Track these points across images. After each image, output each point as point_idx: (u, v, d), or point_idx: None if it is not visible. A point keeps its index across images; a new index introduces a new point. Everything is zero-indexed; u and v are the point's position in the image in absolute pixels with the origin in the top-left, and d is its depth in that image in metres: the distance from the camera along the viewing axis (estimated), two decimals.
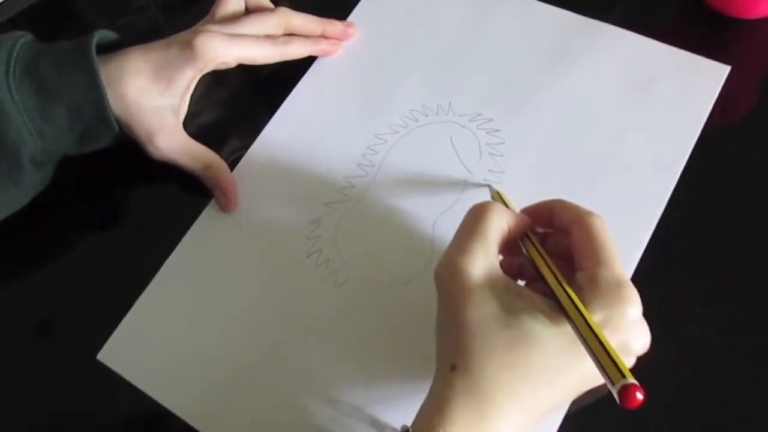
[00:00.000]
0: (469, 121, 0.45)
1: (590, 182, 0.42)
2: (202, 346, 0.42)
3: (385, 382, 0.39)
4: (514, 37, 0.48)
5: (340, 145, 0.46)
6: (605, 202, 0.41)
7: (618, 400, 0.26)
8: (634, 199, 0.41)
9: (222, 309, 0.42)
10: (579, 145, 0.43)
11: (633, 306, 0.30)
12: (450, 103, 0.46)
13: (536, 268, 0.33)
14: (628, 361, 0.32)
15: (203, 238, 0.45)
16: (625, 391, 0.26)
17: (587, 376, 0.31)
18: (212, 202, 0.46)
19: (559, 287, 0.31)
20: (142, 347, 0.42)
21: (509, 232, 0.34)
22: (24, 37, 0.44)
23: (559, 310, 0.30)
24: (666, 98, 0.44)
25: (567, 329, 0.30)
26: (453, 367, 0.31)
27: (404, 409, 0.35)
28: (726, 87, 0.43)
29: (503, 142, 0.44)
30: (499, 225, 0.33)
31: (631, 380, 0.26)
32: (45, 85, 0.42)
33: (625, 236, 0.39)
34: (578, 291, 0.31)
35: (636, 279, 0.38)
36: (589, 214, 0.33)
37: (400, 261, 0.42)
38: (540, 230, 0.36)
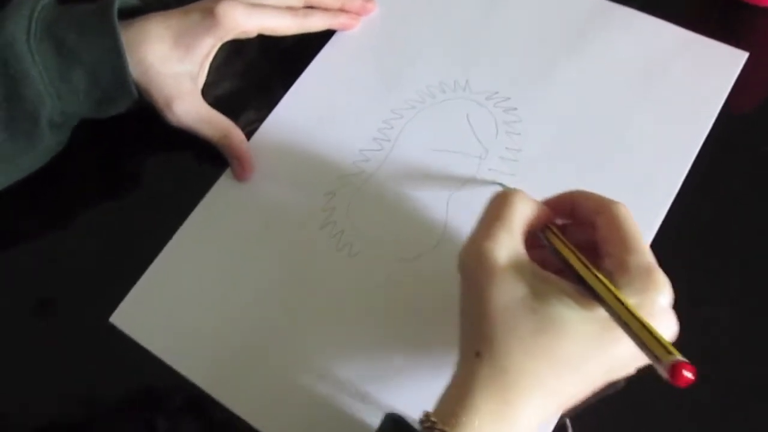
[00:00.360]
0: (486, 99, 0.46)
1: (604, 163, 0.42)
2: (215, 312, 0.42)
3: (397, 356, 0.39)
4: (532, 17, 0.48)
5: (356, 119, 0.46)
6: (618, 183, 0.41)
7: (668, 378, 0.25)
8: (647, 182, 0.41)
9: (235, 276, 0.43)
10: (595, 126, 0.43)
11: (664, 293, 0.30)
12: (467, 80, 0.46)
13: (562, 257, 0.32)
14: None
15: (218, 207, 0.45)
16: (675, 368, 0.25)
17: (616, 364, 0.30)
18: (227, 171, 0.46)
19: (589, 272, 0.30)
20: (155, 311, 0.43)
21: (532, 221, 0.33)
22: None
23: (589, 295, 0.30)
24: (682, 82, 0.44)
25: (597, 315, 0.29)
26: (477, 354, 0.30)
27: (412, 387, 0.37)
28: (742, 74, 0.44)
29: (520, 121, 0.44)
30: (524, 212, 0.33)
31: (681, 357, 0.25)
32: (65, 46, 0.42)
33: (637, 219, 0.40)
34: (608, 277, 0.30)
35: None
36: (613, 202, 0.32)
37: (413, 235, 0.42)
38: (559, 222, 0.36)
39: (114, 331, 0.42)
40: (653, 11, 0.46)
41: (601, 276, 0.30)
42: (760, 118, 0.43)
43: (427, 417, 0.30)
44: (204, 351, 0.41)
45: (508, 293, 0.30)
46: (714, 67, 0.44)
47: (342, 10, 0.49)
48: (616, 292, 0.29)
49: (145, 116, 0.46)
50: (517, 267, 0.31)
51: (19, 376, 0.42)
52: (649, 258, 0.31)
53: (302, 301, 0.41)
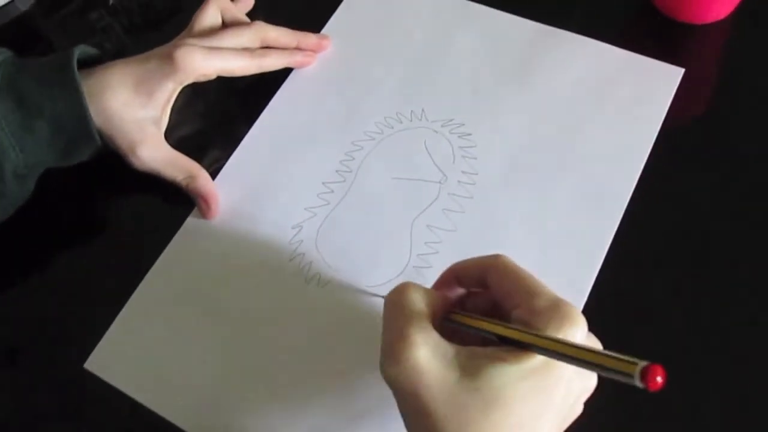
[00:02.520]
0: (442, 126, 0.47)
1: (558, 181, 0.44)
2: (190, 351, 0.42)
3: (377, 386, 0.39)
4: (480, 46, 0.50)
5: (318, 153, 0.48)
6: (571, 199, 0.43)
7: (642, 387, 0.24)
8: (597, 198, 0.43)
9: (207, 314, 0.43)
10: (546, 146, 0.45)
11: (579, 323, 0.29)
12: (423, 109, 0.48)
13: (478, 329, 0.31)
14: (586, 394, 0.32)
15: (187, 246, 0.46)
16: (646, 375, 0.24)
17: (566, 404, 0.30)
18: (194, 211, 0.47)
19: (509, 329, 0.30)
20: (130, 354, 0.43)
21: (433, 308, 0.32)
22: (4, 54, 0.45)
23: (519, 348, 0.29)
24: (625, 101, 0.46)
25: (531, 364, 0.29)
26: None
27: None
28: (679, 89, 0.46)
29: (475, 146, 0.46)
30: (421, 301, 0.31)
31: (645, 363, 0.24)
32: (27, 99, 0.43)
33: (590, 235, 0.42)
34: (523, 327, 0.30)
35: (601, 277, 0.41)
36: (492, 258, 0.32)
37: (380, 262, 0.43)
38: (460, 291, 0.35)
39: (89, 376, 0.42)
40: (593, 34, 0.49)
41: (521, 327, 0.29)
42: (697, 129, 0.46)
43: None
44: (181, 391, 0.41)
45: (444, 386, 0.29)
46: (654, 84, 0.47)
47: (298, 48, 0.51)
48: (544, 334, 0.28)
49: (108, 161, 0.47)
50: (441, 357, 0.29)
51: None
52: (553, 295, 0.30)
53: (275, 335, 0.42)
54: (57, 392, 0.43)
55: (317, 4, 0.54)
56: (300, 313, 0.43)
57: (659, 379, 0.24)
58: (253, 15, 0.52)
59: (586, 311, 0.35)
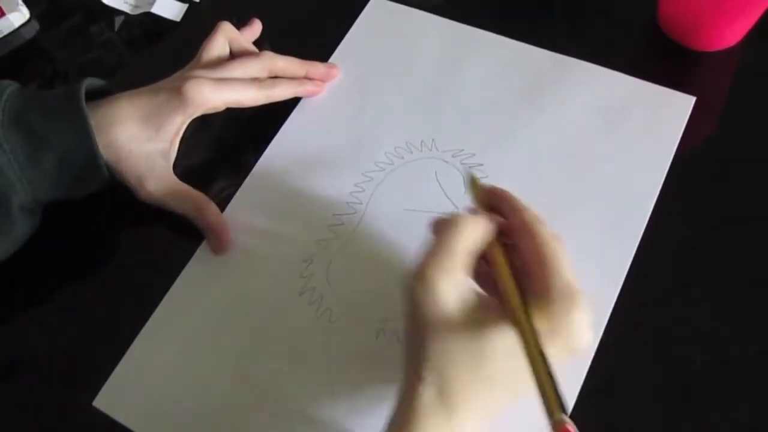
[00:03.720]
0: (453, 156, 0.47)
1: (570, 211, 0.44)
2: (199, 388, 0.42)
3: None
4: (490, 74, 0.50)
5: (327, 184, 0.47)
6: (583, 231, 0.43)
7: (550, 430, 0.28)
8: (612, 228, 0.43)
9: (216, 351, 0.43)
10: (558, 176, 0.45)
11: (583, 312, 0.31)
12: (433, 139, 0.48)
13: (497, 279, 0.34)
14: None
15: (196, 281, 0.45)
16: (558, 427, 0.27)
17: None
18: (204, 244, 0.46)
19: (513, 305, 0.32)
20: (139, 391, 0.42)
21: (479, 243, 0.34)
22: (11, 86, 0.44)
23: (511, 321, 0.32)
24: (637, 129, 0.46)
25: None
26: (420, 378, 0.32)
27: None
28: (690, 117, 0.46)
29: (486, 176, 0.46)
30: (469, 239, 0.34)
31: (566, 419, 0.27)
32: (34, 133, 0.43)
33: (605, 265, 0.41)
34: (533, 298, 0.32)
35: (617, 306, 0.40)
36: (535, 224, 0.34)
37: (392, 296, 0.43)
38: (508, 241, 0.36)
39: (98, 414, 0.42)
40: (604, 62, 0.49)
41: (523, 315, 0.31)
42: (708, 157, 0.45)
43: None
44: (189, 427, 0.41)
45: (449, 322, 0.32)
46: (665, 113, 0.46)
47: (306, 78, 0.50)
48: (535, 336, 0.30)
49: (118, 192, 0.46)
50: (457, 296, 0.33)
51: None
52: (570, 278, 0.32)
53: (286, 371, 0.42)
54: (66, 430, 0.42)
55: (325, 32, 0.54)
56: (312, 348, 0.42)
57: None
58: (260, 44, 0.52)
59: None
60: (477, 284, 0.36)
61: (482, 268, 0.36)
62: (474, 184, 0.39)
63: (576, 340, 0.32)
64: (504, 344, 0.31)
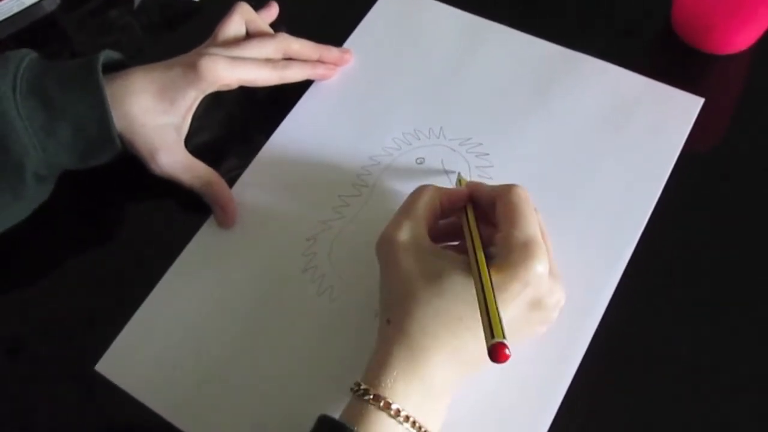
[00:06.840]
0: (460, 144, 0.48)
1: (573, 205, 0.44)
2: (200, 357, 0.43)
3: None
4: (501, 66, 0.50)
5: (335, 166, 0.48)
6: (585, 224, 0.43)
7: (488, 355, 0.30)
8: (612, 223, 0.43)
9: (219, 322, 0.44)
10: (563, 170, 0.46)
11: (539, 261, 0.34)
12: (441, 127, 0.48)
13: (465, 232, 0.38)
14: (549, 316, 0.37)
15: (201, 253, 0.46)
16: (495, 347, 0.30)
17: (518, 308, 0.35)
18: (211, 218, 0.47)
19: (472, 250, 0.35)
20: (140, 359, 0.43)
21: (442, 204, 0.39)
22: (30, 55, 0.45)
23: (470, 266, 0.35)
24: (643, 127, 0.46)
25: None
26: (388, 321, 0.36)
27: None
28: (699, 118, 0.46)
29: (492, 166, 0.46)
30: (429, 202, 0.39)
31: (502, 340, 0.30)
32: (51, 101, 0.43)
33: (603, 260, 0.42)
34: (495, 249, 0.36)
35: (613, 301, 0.41)
36: (508, 186, 0.37)
37: None
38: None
39: (99, 378, 0.43)
40: (614, 59, 0.49)
41: (479, 253, 0.35)
42: (714, 158, 0.46)
43: (357, 385, 0.35)
44: (190, 397, 0.42)
45: (408, 267, 0.36)
46: (673, 113, 0.47)
47: (320, 61, 0.51)
48: (483, 268, 0.34)
49: (127, 165, 0.47)
50: (416, 247, 0.37)
51: (4, 425, 0.43)
52: (530, 231, 0.35)
53: (286, 346, 0.42)
54: (67, 394, 0.43)
55: (340, 18, 0.55)
56: (312, 325, 0.43)
57: (506, 352, 0.30)
58: (277, 27, 0.53)
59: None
60: (447, 241, 0.40)
61: (455, 224, 0.40)
62: (460, 183, 0.44)
63: (537, 291, 0.35)
64: (458, 286, 0.35)
